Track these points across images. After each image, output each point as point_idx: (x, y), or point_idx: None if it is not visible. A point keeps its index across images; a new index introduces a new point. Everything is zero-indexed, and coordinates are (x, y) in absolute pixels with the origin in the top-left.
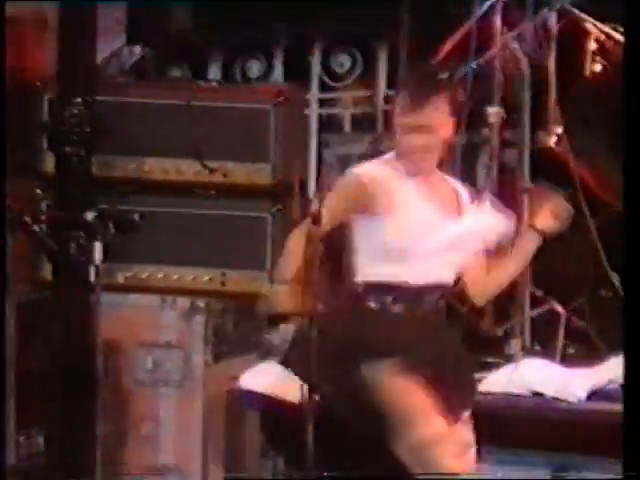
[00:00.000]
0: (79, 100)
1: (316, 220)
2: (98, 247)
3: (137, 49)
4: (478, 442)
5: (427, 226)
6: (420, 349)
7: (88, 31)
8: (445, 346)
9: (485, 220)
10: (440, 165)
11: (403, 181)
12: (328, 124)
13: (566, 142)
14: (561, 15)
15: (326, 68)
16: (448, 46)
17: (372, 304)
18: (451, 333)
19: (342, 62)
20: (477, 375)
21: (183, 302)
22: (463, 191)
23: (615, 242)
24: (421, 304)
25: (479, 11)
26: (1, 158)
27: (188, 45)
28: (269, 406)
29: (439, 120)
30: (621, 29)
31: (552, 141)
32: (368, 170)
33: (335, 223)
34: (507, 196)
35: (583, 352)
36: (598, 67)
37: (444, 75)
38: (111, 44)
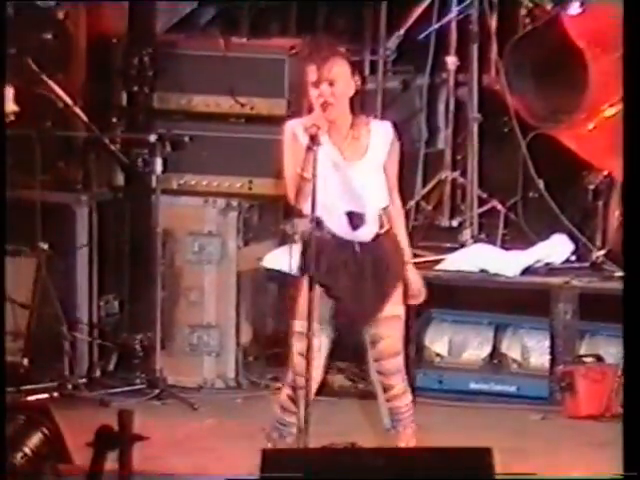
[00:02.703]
0: (144, 52)
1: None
2: (158, 161)
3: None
4: (440, 306)
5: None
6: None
7: (150, 2)
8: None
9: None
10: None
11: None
12: None
13: (504, 82)
14: None
15: (328, 28)
16: (416, 12)
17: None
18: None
19: (340, 24)
20: (437, 257)
21: (221, 202)
22: (380, 139)
23: (539, 156)
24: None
25: None
26: (1, 159)
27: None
28: (284, 279)
29: (339, 74)
30: None
31: (493, 82)
32: (296, 120)
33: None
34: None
35: (517, 239)
36: (528, 27)
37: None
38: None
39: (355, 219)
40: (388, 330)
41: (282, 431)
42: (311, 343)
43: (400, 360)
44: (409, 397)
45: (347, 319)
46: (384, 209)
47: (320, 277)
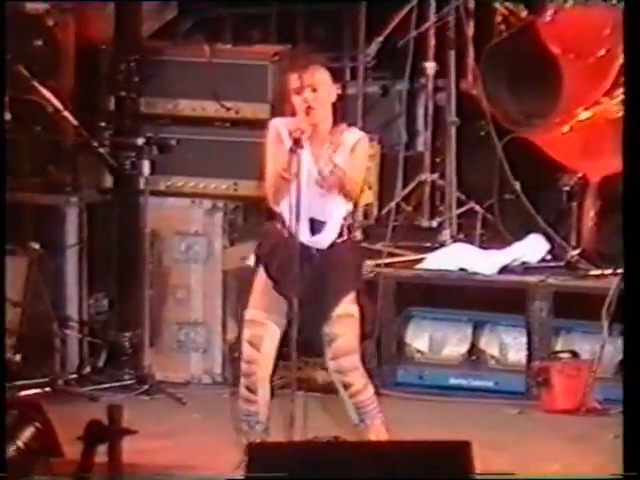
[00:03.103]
0: (131, 58)
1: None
2: (146, 164)
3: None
4: (420, 304)
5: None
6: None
7: (136, 10)
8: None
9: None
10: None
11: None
12: None
13: (480, 87)
14: None
15: (308, 36)
16: (396, 19)
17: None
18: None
19: (319, 32)
20: (417, 257)
21: (207, 203)
22: (345, 148)
23: (515, 158)
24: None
25: None
26: (1, 158)
27: (208, 17)
28: None
29: (321, 80)
30: (521, 7)
31: (470, 87)
32: (281, 119)
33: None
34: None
35: (494, 239)
36: (503, 34)
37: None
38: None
39: (316, 226)
40: (343, 328)
41: (249, 421)
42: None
43: (356, 357)
44: (371, 391)
45: (304, 318)
46: (345, 219)
47: (273, 272)
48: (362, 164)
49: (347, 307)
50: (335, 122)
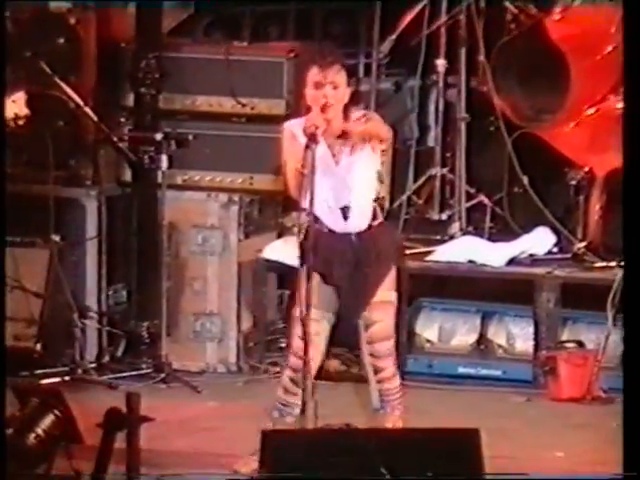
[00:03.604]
0: (150, 56)
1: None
2: (164, 158)
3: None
4: (430, 295)
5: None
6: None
7: (156, 9)
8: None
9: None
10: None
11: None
12: None
13: (491, 84)
14: None
15: (324, 33)
16: (408, 18)
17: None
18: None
19: (335, 29)
20: (427, 249)
21: (223, 196)
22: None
23: (523, 153)
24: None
25: None
26: (1, 156)
27: (226, 15)
28: (282, 269)
29: (341, 80)
30: (530, 5)
31: (481, 83)
32: (293, 121)
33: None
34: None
35: (503, 232)
36: (513, 32)
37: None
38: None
39: (347, 212)
40: (380, 314)
41: (282, 411)
42: (307, 328)
43: (391, 344)
44: (398, 380)
45: (346, 304)
46: (375, 201)
47: (317, 266)
48: (379, 123)
49: (387, 294)
50: (346, 120)
